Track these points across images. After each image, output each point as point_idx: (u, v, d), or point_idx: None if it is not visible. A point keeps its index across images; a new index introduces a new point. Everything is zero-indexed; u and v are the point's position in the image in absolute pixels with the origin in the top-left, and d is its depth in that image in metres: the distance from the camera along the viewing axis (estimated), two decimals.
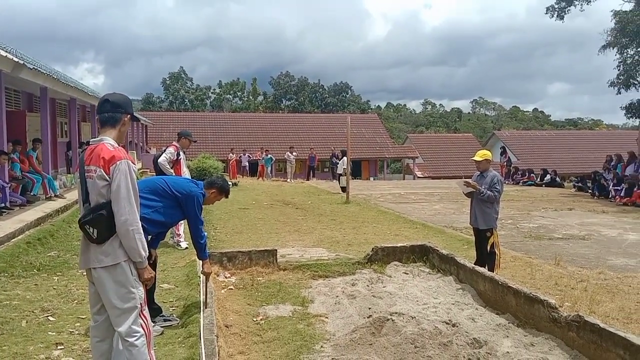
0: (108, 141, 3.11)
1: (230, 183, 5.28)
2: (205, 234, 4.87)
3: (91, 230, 2.98)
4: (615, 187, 17.04)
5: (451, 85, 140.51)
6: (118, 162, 3.00)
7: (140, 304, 3.12)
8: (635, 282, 6.60)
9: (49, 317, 4.97)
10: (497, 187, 6.59)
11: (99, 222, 2.97)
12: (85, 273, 3.23)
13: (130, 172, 3.03)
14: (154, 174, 8.35)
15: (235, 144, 37.82)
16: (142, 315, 3.14)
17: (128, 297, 3.04)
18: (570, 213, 13.66)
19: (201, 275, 5.12)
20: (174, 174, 8.02)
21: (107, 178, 3.00)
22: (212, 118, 45.06)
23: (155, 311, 4.76)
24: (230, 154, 27.84)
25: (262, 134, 40.84)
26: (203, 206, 4.80)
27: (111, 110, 3.17)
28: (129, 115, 3.24)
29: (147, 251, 3.14)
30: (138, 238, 3.00)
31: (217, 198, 4.93)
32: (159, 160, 7.98)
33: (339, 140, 35.27)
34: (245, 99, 71.24)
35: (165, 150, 8.16)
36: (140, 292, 3.12)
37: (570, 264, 7.67)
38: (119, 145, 3.15)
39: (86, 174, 3.08)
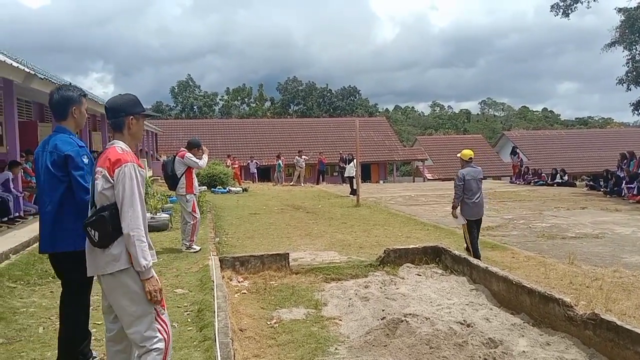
0: (118, 144, 3.04)
1: None
2: None
3: (93, 232, 2.88)
4: (628, 185, 16.90)
5: (459, 86, 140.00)
6: (123, 165, 2.91)
7: (155, 308, 2.95)
8: None
9: None
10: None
11: (100, 225, 2.87)
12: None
13: (135, 176, 2.92)
14: (164, 180, 8.45)
15: (244, 150, 37.97)
16: (159, 320, 2.97)
17: (140, 302, 2.90)
18: (582, 212, 13.56)
19: (214, 280, 5.12)
20: (199, 164, 8.23)
21: (111, 180, 2.91)
22: (221, 124, 45.19)
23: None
24: (227, 160, 26.51)
25: (270, 140, 40.89)
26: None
27: (112, 117, 3.09)
28: (131, 117, 3.09)
29: (149, 260, 2.89)
30: (138, 245, 2.83)
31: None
32: (187, 156, 8.19)
33: (348, 144, 35.26)
34: (253, 104, 71.46)
35: (185, 155, 8.31)
36: None
37: (584, 262, 7.62)
38: (129, 149, 3.07)
39: (94, 176, 3.03)
